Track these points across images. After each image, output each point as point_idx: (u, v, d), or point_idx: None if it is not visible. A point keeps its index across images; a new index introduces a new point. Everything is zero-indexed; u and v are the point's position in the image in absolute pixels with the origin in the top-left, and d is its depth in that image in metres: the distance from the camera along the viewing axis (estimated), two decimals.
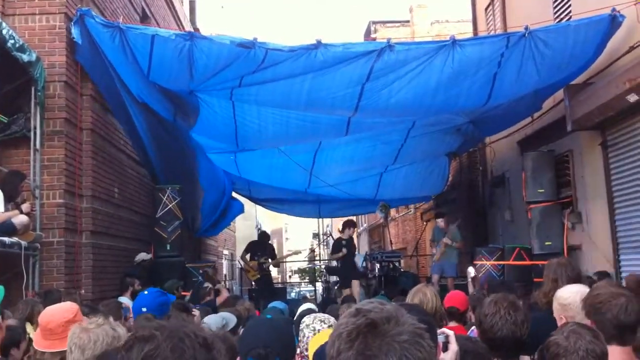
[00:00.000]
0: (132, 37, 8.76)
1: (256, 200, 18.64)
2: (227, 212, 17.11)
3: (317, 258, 34.68)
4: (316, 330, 4.08)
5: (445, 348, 2.26)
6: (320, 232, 41.30)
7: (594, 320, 3.35)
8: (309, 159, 14.51)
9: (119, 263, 10.55)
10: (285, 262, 25.47)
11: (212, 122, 10.97)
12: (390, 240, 18.09)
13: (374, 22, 29.56)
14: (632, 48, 8.92)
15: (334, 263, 15.03)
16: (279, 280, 41.84)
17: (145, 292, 5.23)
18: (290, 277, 65.39)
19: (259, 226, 37.54)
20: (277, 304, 7.29)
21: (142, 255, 10.93)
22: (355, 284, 13.57)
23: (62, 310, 3.83)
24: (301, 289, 42.54)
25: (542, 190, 11.26)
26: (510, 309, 3.47)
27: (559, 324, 3.81)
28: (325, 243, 46.07)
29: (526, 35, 8.75)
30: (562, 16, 11.02)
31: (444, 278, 13.83)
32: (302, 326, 4.17)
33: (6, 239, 7.14)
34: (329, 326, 4.11)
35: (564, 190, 11.30)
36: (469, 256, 14.44)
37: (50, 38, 8.93)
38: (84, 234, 9.35)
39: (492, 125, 12.76)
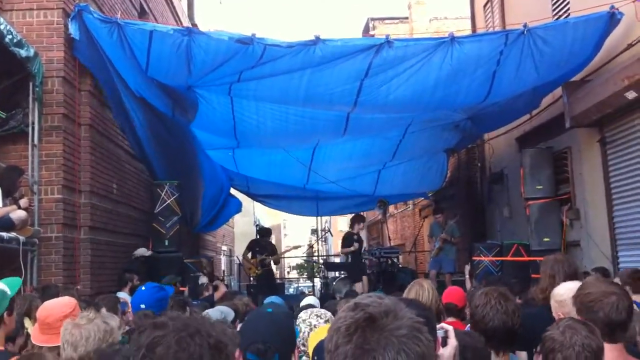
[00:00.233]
0: (130, 33, 8.74)
1: (254, 197, 18.63)
2: (225, 208, 17.11)
3: (316, 254, 34.70)
4: (312, 325, 4.09)
5: (445, 343, 2.26)
6: (319, 229, 41.28)
7: (586, 319, 3.36)
8: (307, 155, 14.50)
9: (117, 259, 10.55)
10: (285, 258, 25.45)
11: (210, 118, 10.96)
12: (389, 237, 18.10)
13: (373, 19, 29.56)
14: (630, 45, 8.92)
15: (333, 259, 15.00)
16: (278, 276, 41.81)
17: (143, 288, 5.22)
18: (288, 272, 65.44)
19: (257, 222, 37.45)
20: (274, 299, 7.27)
21: (142, 251, 10.93)
22: (366, 279, 13.56)
23: (60, 305, 3.83)
24: (299, 284, 42.60)
25: (541, 187, 11.28)
26: (501, 299, 3.48)
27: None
28: (323, 239, 46.13)
29: (525, 32, 8.75)
30: (560, 13, 11.03)
31: (442, 274, 13.85)
32: (298, 321, 4.18)
33: (4, 234, 7.14)
34: (325, 321, 4.11)
35: (562, 186, 11.32)
36: (467, 252, 14.46)
37: (48, 33, 8.92)
38: (82, 229, 9.35)
39: (491, 121, 12.76)
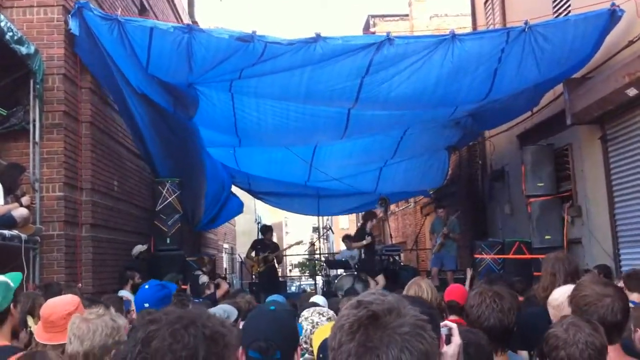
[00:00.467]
0: (131, 30, 8.74)
1: (255, 194, 18.63)
2: (226, 207, 17.11)
3: (317, 252, 34.68)
4: (314, 323, 4.09)
5: (449, 341, 2.26)
6: (320, 226, 41.26)
7: None
8: (308, 153, 14.51)
9: (119, 256, 10.55)
10: (287, 255, 25.45)
11: (211, 115, 10.96)
12: (390, 234, 18.09)
13: (373, 16, 29.56)
14: (631, 42, 8.92)
15: (339, 254, 14.97)
16: (279, 274, 41.82)
17: (146, 286, 5.21)
18: (290, 271, 65.47)
19: (258, 220, 37.52)
20: (276, 297, 7.27)
21: (138, 248, 10.91)
22: (382, 276, 13.56)
23: (63, 302, 3.83)
24: (301, 282, 42.62)
25: (542, 184, 11.28)
26: (495, 298, 3.47)
27: None
28: (325, 237, 46.13)
29: (526, 30, 8.75)
30: (561, 10, 11.02)
31: (444, 271, 13.85)
32: (300, 319, 4.18)
33: (6, 232, 7.13)
34: (328, 319, 4.12)
35: (564, 184, 11.31)
36: (468, 250, 14.47)
37: (49, 30, 8.91)
38: (83, 227, 9.35)
39: (492, 119, 12.76)
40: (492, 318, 3.41)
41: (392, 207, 23.94)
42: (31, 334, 4.22)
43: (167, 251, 11.22)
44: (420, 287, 5.07)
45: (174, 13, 16.57)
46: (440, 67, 9.15)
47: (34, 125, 8.45)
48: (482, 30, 13.96)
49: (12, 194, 7.65)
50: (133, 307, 6.46)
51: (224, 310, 5.37)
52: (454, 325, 2.29)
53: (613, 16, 8.88)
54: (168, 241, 11.35)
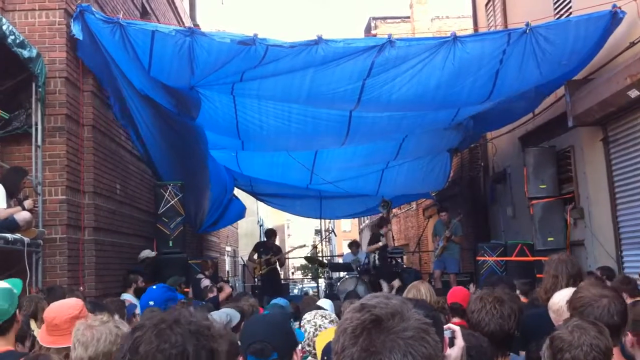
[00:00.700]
0: (133, 33, 8.75)
1: (258, 196, 18.66)
2: (229, 210, 17.13)
3: (320, 254, 34.70)
4: (317, 326, 4.10)
5: (452, 343, 2.26)
6: (323, 229, 41.30)
7: None
8: (310, 155, 14.53)
9: (122, 259, 10.55)
10: (289, 258, 25.50)
11: (213, 117, 10.98)
12: (393, 237, 18.08)
13: (374, 18, 29.56)
14: (632, 44, 8.92)
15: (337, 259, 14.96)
16: (282, 277, 41.86)
17: (154, 287, 5.24)
18: (292, 273, 65.46)
19: (260, 222, 37.61)
20: (279, 300, 7.27)
21: (147, 253, 10.94)
22: (398, 280, 13.58)
23: (67, 306, 3.83)
24: (304, 285, 42.62)
25: (544, 186, 11.28)
26: (496, 303, 3.48)
27: None
28: (327, 240, 46.13)
29: (527, 31, 8.75)
30: (562, 12, 11.02)
31: (447, 274, 13.84)
32: (303, 322, 4.19)
33: (9, 236, 7.13)
34: (330, 322, 4.12)
35: (566, 186, 11.31)
36: (471, 252, 14.46)
37: (51, 34, 8.92)
38: (86, 230, 9.35)
39: (493, 121, 12.77)
40: (493, 324, 3.42)
41: (395, 209, 23.94)
42: (34, 337, 4.22)
43: (169, 254, 11.24)
44: (420, 290, 5.08)
45: (176, 16, 16.60)
46: (441, 69, 9.16)
47: (36, 129, 8.45)
48: (484, 31, 13.95)
49: (14, 197, 7.66)
50: (138, 310, 6.47)
51: (227, 314, 5.37)
52: (457, 328, 2.29)
53: (614, 18, 8.88)
54: (170, 244, 11.37)
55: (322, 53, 8.76)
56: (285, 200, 18.36)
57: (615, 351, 3.27)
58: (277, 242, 16.05)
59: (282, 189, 16.95)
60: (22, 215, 7.47)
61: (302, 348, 3.84)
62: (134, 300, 8.29)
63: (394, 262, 15.26)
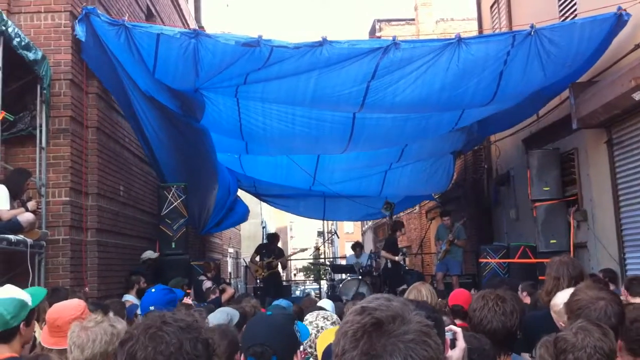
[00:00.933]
0: (138, 36, 8.76)
1: (261, 196, 18.67)
2: (232, 211, 17.14)
3: (322, 256, 34.71)
4: (319, 327, 4.10)
5: (453, 345, 2.26)
6: (325, 231, 41.27)
7: None
8: (312, 159, 14.58)
9: (125, 261, 10.57)
10: (291, 260, 25.52)
11: (217, 120, 10.99)
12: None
13: (379, 21, 29.61)
14: (637, 46, 8.91)
15: (339, 261, 14.93)
16: (284, 279, 41.91)
17: (153, 290, 5.22)
18: (295, 275, 65.44)
19: (264, 224, 37.64)
20: (281, 301, 7.27)
21: (149, 254, 10.96)
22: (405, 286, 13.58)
23: (69, 307, 3.84)
24: (306, 287, 42.64)
25: (548, 189, 11.27)
26: (498, 301, 3.47)
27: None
28: (330, 241, 46.14)
29: (532, 33, 8.74)
30: (567, 14, 11.01)
31: (449, 276, 13.83)
32: (305, 323, 4.18)
33: (12, 237, 7.15)
34: (332, 323, 4.12)
35: (570, 188, 11.29)
36: (473, 254, 14.45)
37: (56, 36, 8.95)
38: (89, 231, 9.37)
39: (496, 124, 12.76)
40: (495, 321, 3.41)
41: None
42: (35, 338, 4.22)
43: (172, 255, 11.25)
44: (420, 292, 5.08)
45: (181, 18, 16.63)
46: (446, 71, 9.15)
47: (41, 131, 8.48)
48: (488, 33, 13.94)
49: (18, 198, 7.68)
50: (139, 311, 6.45)
51: (227, 313, 5.38)
52: (458, 330, 2.30)
53: (620, 20, 8.88)
54: (173, 245, 11.39)
55: (327, 55, 8.76)
56: (289, 201, 18.36)
57: None
58: (279, 245, 16.06)
59: (285, 190, 16.95)
60: (25, 217, 7.49)
61: (304, 349, 3.84)
62: (136, 301, 8.30)
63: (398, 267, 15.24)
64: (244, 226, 30.51)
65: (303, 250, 20.32)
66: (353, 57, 8.88)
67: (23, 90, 8.58)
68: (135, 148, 11.71)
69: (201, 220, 14.81)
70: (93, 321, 3.39)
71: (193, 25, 17.53)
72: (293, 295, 17.99)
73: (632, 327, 3.39)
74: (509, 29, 13.44)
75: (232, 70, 9.11)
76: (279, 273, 15.63)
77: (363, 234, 41.39)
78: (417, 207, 24.50)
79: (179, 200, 11.52)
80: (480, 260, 11.84)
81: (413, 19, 28.09)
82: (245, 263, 17.87)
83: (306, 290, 35.27)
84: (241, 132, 11.68)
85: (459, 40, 8.80)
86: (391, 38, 9.00)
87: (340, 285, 14.62)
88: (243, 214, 18.39)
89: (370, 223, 35.87)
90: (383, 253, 14.16)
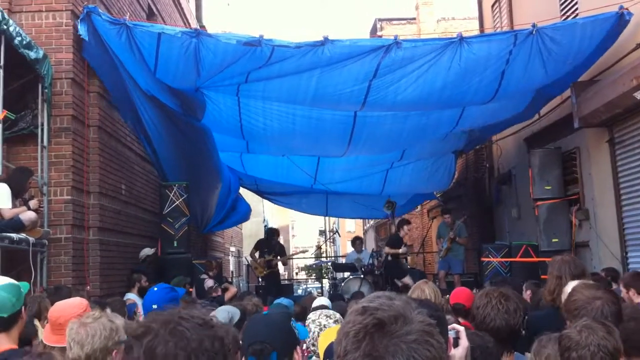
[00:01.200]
0: (139, 35, 8.76)
1: (263, 194, 18.68)
2: (234, 210, 17.14)
3: (324, 255, 34.73)
4: (322, 326, 4.10)
5: (456, 344, 2.26)
6: (327, 230, 41.29)
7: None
8: (313, 160, 14.59)
9: (127, 259, 10.57)
10: (293, 259, 25.57)
11: (217, 119, 11.00)
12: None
13: (380, 20, 29.59)
14: (639, 45, 8.90)
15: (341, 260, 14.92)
16: (286, 277, 41.97)
17: (155, 289, 5.23)
18: (297, 274, 65.49)
19: (266, 223, 37.64)
20: (282, 300, 7.28)
21: (146, 251, 10.95)
22: (408, 277, 13.57)
23: (71, 305, 3.85)
24: (308, 285, 42.66)
25: (549, 187, 11.27)
26: (501, 299, 3.48)
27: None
28: (331, 240, 46.17)
29: (533, 32, 8.74)
30: (568, 13, 11.00)
31: (451, 275, 13.83)
32: (308, 322, 4.20)
33: (14, 236, 7.16)
34: (335, 322, 4.12)
35: (571, 187, 11.29)
36: (475, 253, 14.44)
37: (57, 35, 8.95)
38: (91, 230, 9.37)
39: (499, 125, 12.76)
40: (498, 319, 3.42)
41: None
42: (37, 336, 4.24)
43: (174, 254, 11.26)
44: (424, 291, 5.08)
45: (182, 17, 16.63)
46: (447, 70, 9.15)
47: (42, 129, 8.48)
48: (490, 32, 13.93)
49: (20, 197, 7.69)
50: (139, 310, 6.46)
51: (228, 312, 5.38)
52: (461, 328, 2.29)
53: (621, 19, 8.87)
54: (175, 244, 11.40)
55: (329, 54, 8.76)
56: (291, 198, 18.35)
57: None
58: (280, 241, 16.04)
59: (287, 188, 16.96)
60: (27, 215, 7.49)
61: (307, 348, 3.85)
62: (138, 300, 8.32)
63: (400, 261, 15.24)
64: (246, 225, 30.53)
65: (303, 252, 20.33)
66: (355, 56, 8.88)
67: (24, 89, 8.58)
68: (137, 147, 11.71)
69: (203, 219, 14.82)
70: (91, 317, 3.41)
71: (194, 24, 17.54)
72: (295, 294, 18.01)
73: (620, 328, 3.40)
74: (510, 28, 13.43)
75: (233, 69, 9.11)
76: (279, 272, 15.62)
77: (365, 232, 41.40)
78: (418, 207, 24.50)
79: (180, 199, 11.53)
80: (482, 259, 11.84)
81: (414, 18, 28.07)
82: (247, 262, 17.88)
83: (308, 289, 35.30)
84: (242, 131, 11.69)
85: (461, 39, 8.79)
86: (392, 37, 9.00)
87: (343, 284, 14.61)
88: (245, 213, 18.40)
89: (372, 222, 35.88)
90: (386, 249, 14.15)
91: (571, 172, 11.27)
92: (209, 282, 11.44)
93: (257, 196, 19.90)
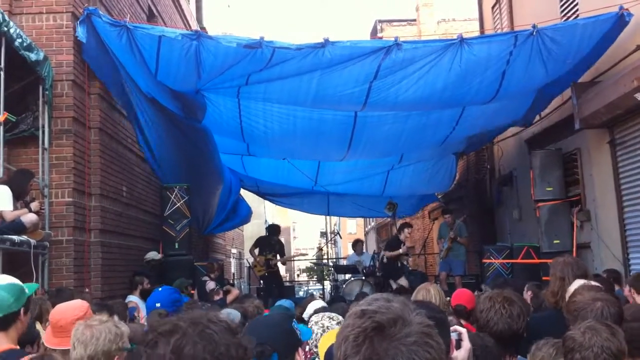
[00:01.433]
0: (139, 37, 8.76)
1: (264, 195, 18.68)
2: (235, 212, 17.14)
3: (325, 257, 34.71)
4: (325, 327, 4.09)
5: (459, 346, 2.26)
6: (328, 231, 41.27)
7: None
8: (313, 163, 14.61)
9: (128, 261, 10.57)
10: (294, 260, 25.58)
11: (218, 121, 11.00)
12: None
13: (381, 21, 29.58)
14: (639, 46, 8.89)
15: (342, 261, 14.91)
16: (287, 279, 41.96)
17: (160, 289, 5.25)
18: (298, 275, 65.48)
19: (267, 224, 37.54)
20: (283, 302, 7.28)
21: (152, 254, 10.96)
22: (403, 278, 13.56)
23: (73, 307, 3.85)
24: (309, 287, 42.64)
25: (551, 189, 11.24)
26: (505, 303, 3.48)
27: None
28: (333, 241, 46.15)
29: (534, 33, 8.74)
30: (569, 14, 10.99)
31: (452, 276, 13.81)
32: (310, 324, 4.19)
33: (15, 238, 7.15)
34: (338, 323, 4.12)
35: (573, 188, 11.27)
36: (477, 255, 14.42)
37: (58, 37, 8.95)
38: (92, 232, 9.37)
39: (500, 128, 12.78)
40: (501, 323, 3.42)
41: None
42: (39, 339, 4.24)
43: (175, 256, 11.25)
44: (429, 292, 5.07)
45: (182, 19, 16.64)
46: (448, 71, 9.15)
47: (43, 131, 8.48)
48: (490, 33, 13.93)
49: (21, 199, 7.68)
50: (141, 313, 6.45)
51: (228, 314, 5.39)
52: (463, 330, 2.29)
53: (621, 20, 8.87)
54: (176, 246, 11.40)
55: (329, 56, 8.76)
56: (293, 199, 18.36)
57: None
58: (281, 239, 16.01)
59: (288, 189, 16.97)
60: (28, 217, 7.48)
61: (310, 349, 3.84)
62: (140, 302, 8.32)
63: (399, 263, 15.22)
64: (247, 227, 30.54)
65: (303, 254, 20.32)
66: (355, 58, 8.89)
67: (25, 91, 8.58)
68: (138, 148, 11.71)
69: (204, 221, 14.82)
70: (98, 320, 3.42)
71: (194, 25, 17.55)
72: (296, 296, 18.01)
73: (624, 329, 3.40)
74: (511, 29, 13.43)
75: (233, 71, 9.11)
76: (279, 273, 15.60)
77: (366, 234, 41.38)
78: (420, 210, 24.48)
79: (182, 201, 11.53)
80: (484, 260, 11.83)
81: (414, 20, 28.06)
82: (249, 263, 17.89)
83: (309, 291, 35.29)
84: (242, 134, 11.69)
85: (461, 40, 8.80)
86: (393, 39, 9.00)
87: (344, 286, 14.60)
88: (246, 216, 18.40)
89: (373, 223, 35.86)
90: (387, 254, 14.12)
91: (572, 173, 11.26)
92: (211, 285, 11.44)
93: (258, 198, 19.92)
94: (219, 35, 10.01)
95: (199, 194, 13.00)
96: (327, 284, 22.28)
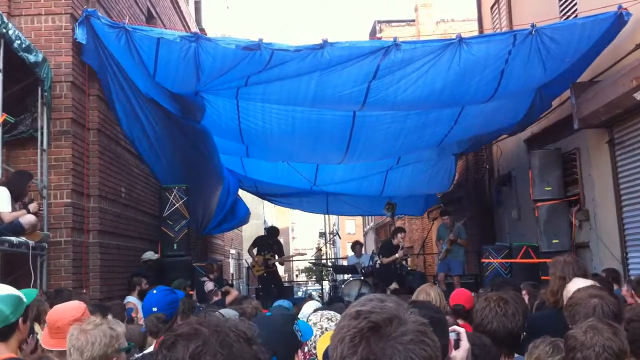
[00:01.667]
0: (138, 39, 8.76)
1: (263, 196, 18.68)
2: (233, 212, 17.14)
3: (324, 257, 34.70)
4: (324, 329, 4.08)
5: (457, 345, 2.26)
6: (327, 232, 41.26)
7: (571, 323, 3.39)
8: (312, 165, 14.61)
9: (127, 262, 10.56)
10: (292, 261, 25.58)
11: (217, 122, 10.99)
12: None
13: (379, 22, 29.60)
14: (638, 46, 8.89)
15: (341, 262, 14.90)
16: (286, 279, 41.96)
17: (154, 291, 5.22)
18: (297, 276, 65.48)
19: (266, 225, 37.60)
20: (282, 302, 7.27)
21: (149, 254, 10.94)
22: (394, 284, 13.56)
23: (70, 308, 3.84)
24: (308, 287, 42.64)
25: (550, 188, 11.24)
26: (500, 302, 3.50)
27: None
28: (332, 242, 46.14)
29: (533, 32, 8.74)
30: (568, 14, 11.00)
31: (450, 277, 13.81)
32: (309, 324, 4.17)
33: (14, 239, 7.14)
34: (336, 324, 4.10)
35: (572, 188, 11.28)
36: (476, 254, 14.42)
37: (57, 38, 8.95)
38: (91, 233, 9.37)
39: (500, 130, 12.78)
40: (496, 322, 3.43)
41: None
42: (36, 340, 4.22)
43: (174, 257, 11.24)
44: (429, 294, 5.07)
45: (181, 20, 16.63)
46: (447, 70, 9.15)
47: (42, 133, 8.48)
48: (489, 33, 13.91)
49: (20, 200, 7.67)
50: (139, 313, 6.44)
51: (225, 315, 5.38)
52: (462, 330, 2.29)
53: (620, 19, 8.87)
54: (175, 247, 11.37)
55: (328, 57, 8.76)
56: (292, 199, 18.37)
57: None
58: (280, 240, 16.00)
59: (287, 190, 16.98)
60: (27, 219, 7.48)
61: (309, 350, 3.83)
62: (138, 303, 8.31)
63: (394, 266, 15.21)
64: (246, 227, 30.50)
65: (301, 254, 20.32)
66: (354, 58, 8.88)
67: (24, 93, 8.58)
68: (137, 150, 11.70)
69: (203, 221, 14.81)
70: (92, 324, 3.40)
71: (194, 27, 17.55)
72: (295, 297, 18.00)
73: (627, 328, 3.39)
74: (510, 29, 13.42)
75: (233, 73, 9.11)
76: (278, 273, 15.59)
77: (365, 234, 41.39)
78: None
79: (180, 202, 11.51)
80: (483, 260, 11.82)
81: (413, 20, 28.06)
82: (248, 264, 17.89)
83: (308, 291, 35.28)
84: (241, 135, 11.69)
85: (460, 40, 8.79)
86: (392, 39, 9.00)
87: (343, 286, 14.59)
88: (244, 217, 18.39)
89: (372, 224, 35.86)
90: (384, 260, 14.10)
91: (571, 173, 11.26)
92: (209, 285, 11.43)
93: (256, 198, 19.92)
94: (218, 37, 10.02)
95: (199, 194, 12.99)
96: (326, 284, 22.29)
